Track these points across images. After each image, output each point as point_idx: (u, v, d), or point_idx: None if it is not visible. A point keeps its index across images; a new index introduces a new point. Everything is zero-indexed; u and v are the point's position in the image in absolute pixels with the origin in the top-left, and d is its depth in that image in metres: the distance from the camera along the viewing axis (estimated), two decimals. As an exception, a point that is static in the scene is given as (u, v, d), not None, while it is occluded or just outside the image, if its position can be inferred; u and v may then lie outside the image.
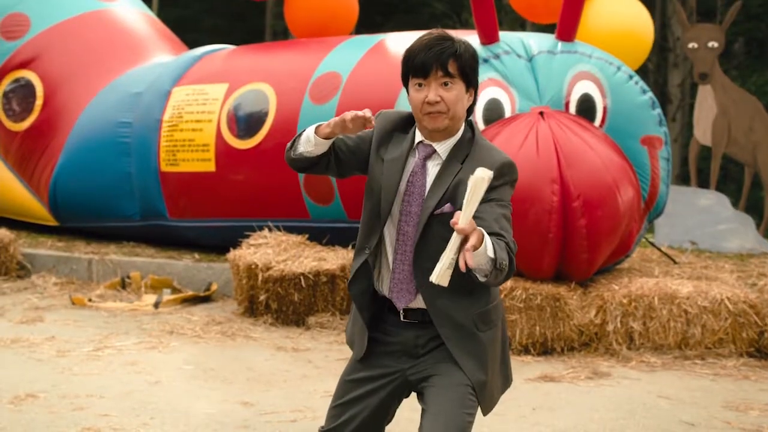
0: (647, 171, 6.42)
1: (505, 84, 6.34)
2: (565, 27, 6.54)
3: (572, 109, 6.28)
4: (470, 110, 2.80)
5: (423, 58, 2.73)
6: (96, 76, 9.06)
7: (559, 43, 6.54)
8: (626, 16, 7.67)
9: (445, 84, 2.70)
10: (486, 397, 2.69)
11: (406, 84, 2.79)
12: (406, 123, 2.84)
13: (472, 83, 2.74)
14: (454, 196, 2.64)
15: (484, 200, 2.50)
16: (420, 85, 2.74)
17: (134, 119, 8.52)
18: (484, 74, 6.35)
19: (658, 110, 6.55)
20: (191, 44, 10.31)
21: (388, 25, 23.19)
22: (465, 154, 2.71)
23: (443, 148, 2.72)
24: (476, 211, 2.45)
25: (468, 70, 2.73)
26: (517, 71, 6.40)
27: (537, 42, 6.59)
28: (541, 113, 6.15)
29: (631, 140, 6.37)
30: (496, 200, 2.62)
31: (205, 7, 22.84)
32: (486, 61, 6.41)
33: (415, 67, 2.75)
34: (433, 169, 2.73)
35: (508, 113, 6.26)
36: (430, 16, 24.57)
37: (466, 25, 20.61)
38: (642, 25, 7.74)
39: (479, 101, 6.25)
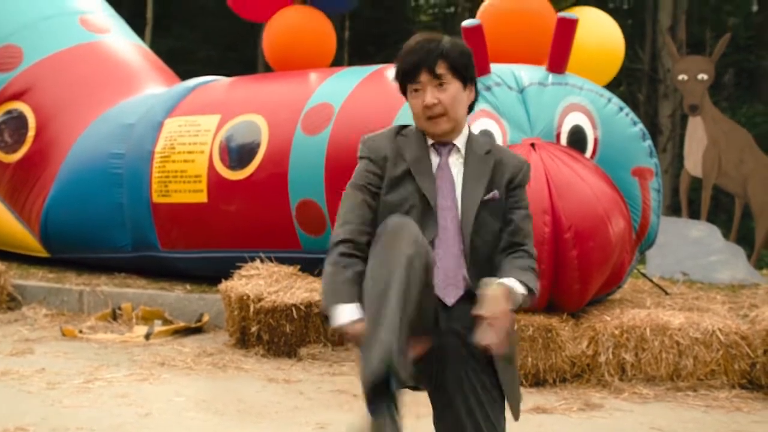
0: (638, 202, 6.45)
1: (497, 115, 6.37)
2: (556, 59, 6.58)
3: (563, 140, 6.31)
4: (472, 106, 2.85)
5: (410, 61, 2.77)
6: (88, 108, 9.08)
7: (550, 75, 6.59)
8: (597, 31, 7.76)
9: (440, 85, 2.72)
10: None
11: (405, 94, 2.80)
12: (394, 134, 2.85)
13: (468, 79, 2.78)
14: (494, 181, 2.73)
15: (512, 197, 2.56)
16: (416, 90, 2.76)
17: (126, 150, 8.53)
18: (476, 105, 6.36)
19: (649, 142, 6.59)
20: (184, 75, 10.35)
21: (380, 55, 23.31)
22: (486, 147, 2.76)
23: (460, 141, 2.77)
24: (508, 213, 2.53)
25: (460, 67, 2.77)
26: (508, 103, 6.43)
27: (528, 74, 6.63)
28: (533, 145, 6.17)
29: (622, 172, 6.40)
30: (520, 201, 2.67)
31: (197, 38, 22.93)
32: (477, 93, 6.43)
33: (404, 71, 2.78)
34: (456, 162, 2.76)
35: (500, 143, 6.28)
36: (422, 48, 24.64)
37: (457, 57, 20.69)
38: (613, 39, 7.84)
39: None
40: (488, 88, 6.47)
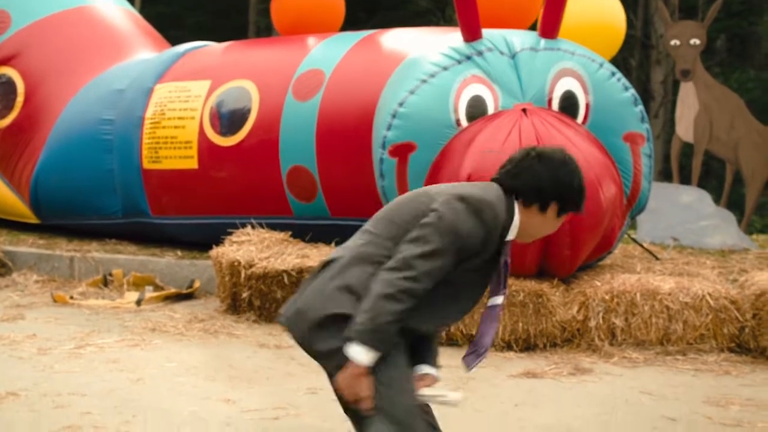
0: (629, 167, 6.44)
1: (489, 81, 6.35)
2: (548, 24, 6.55)
3: (555, 106, 6.30)
4: None
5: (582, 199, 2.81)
6: (77, 73, 9.01)
7: (542, 41, 6.55)
8: (599, 8, 7.72)
9: None
10: None
11: (546, 204, 2.75)
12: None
13: None
14: None
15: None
16: (559, 217, 2.81)
17: (116, 116, 8.48)
18: (468, 71, 6.36)
19: (641, 107, 6.57)
20: (174, 41, 10.27)
21: (372, 21, 23.16)
22: None
23: None
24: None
25: None
26: (500, 68, 6.40)
27: (520, 39, 6.60)
28: (524, 110, 6.16)
29: (613, 137, 6.39)
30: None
31: (187, 4, 22.74)
32: (469, 58, 6.41)
33: (576, 204, 2.80)
34: None
35: (491, 110, 6.26)
36: (414, 13, 24.56)
37: (449, 22, 20.62)
38: (615, 16, 7.80)
39: (462, 98, 6.26)
40: (480, 54, 6.44)
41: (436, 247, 2.55)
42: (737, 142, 9.80)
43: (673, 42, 9.92)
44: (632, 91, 6.58)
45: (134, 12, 10.39)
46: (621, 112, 6.46)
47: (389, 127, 6.26)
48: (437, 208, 2.60)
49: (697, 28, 9.91)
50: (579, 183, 2.77)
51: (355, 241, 2.76)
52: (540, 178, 2.72)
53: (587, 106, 6.36)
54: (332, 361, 2.59)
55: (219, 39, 9.78)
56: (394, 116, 6.26)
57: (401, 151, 6.23)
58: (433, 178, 6.14)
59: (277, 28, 9.04)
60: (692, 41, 9.79)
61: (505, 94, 6.33)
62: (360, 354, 2.51)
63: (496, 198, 2.69)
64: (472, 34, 6.51)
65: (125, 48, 9.38)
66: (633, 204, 6.58)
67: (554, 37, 6.59)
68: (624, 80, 6.60)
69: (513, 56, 6.48)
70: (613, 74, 6.55)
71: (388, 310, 2.51)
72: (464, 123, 6.22)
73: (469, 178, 5.74)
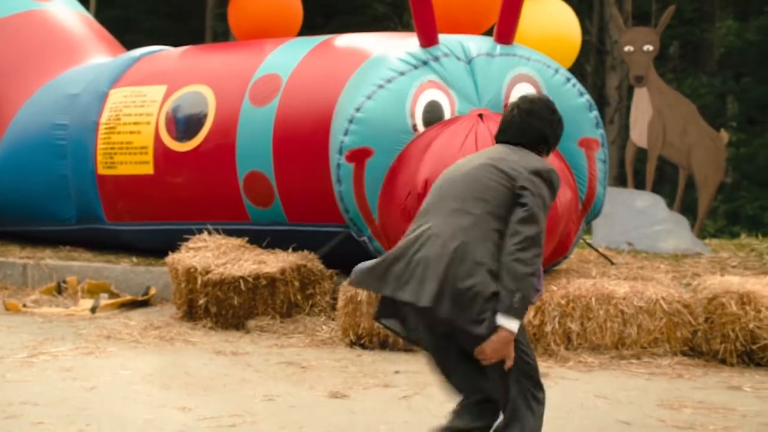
0: (584, 173, 6.51)
1: (445, 86, 6.39)
2: (504, 30, 6.59)
3: None
4: None
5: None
6: (31, 77, 8.91)
7: (498, 46, 6.60)
8: (555, 19, 7.81)
9: None
10: None
11: (550, 148, 3.32)
12: None
13: None
14: None
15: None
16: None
17: (70, 121, 8.40)
18: (424, 76, 6.38)
19: (595, 112, 6.64)
20: (130, 45, 10.18)
21: (330, 25, 23.13)
22: None
23: None
24: None
25: None
26: (456, 74, 6.44)
27: (476, 44, 6.64)
28: (480, 115, 6.20)
29: (568, 142, 6.41)
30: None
31: (144, 8, 22.55)
32: (426, 63, 6.44)
33: (558, 138, 3.36)
34: None
35: (447, 115, 6.30)
36: (372, 18, 24.57)
37: (407, 27, 20.66)
38: (570, 26, 7.90)
39: (419, 103, 6.30)
40: (436, 59, 6.47)
41: (542, 224, 3.05)
42: (690, 147, 9.93)
43: (626, 48, 10.03)
44: (587, 96, 6.65)
45: (89, 16, 10.29)
46: (576, 117, 6.51)
47: (346, 132, 6.27)
48: (528, 188, 3.05)
49: (651, 35, 10.03)
50: (560, 118, 3.35)
51: (457, 221, 3.06)
52: (542, 128, 3.28)
53: None
54: (480, 329, 2.95)
55: (176, 44, 9.72)
56: (351, 121, 6.27)
57: (358, 156, 6.24)
58: (390, 183, 6.15)
59: (235, 33, 9.02)
60: (645, 47, 9.90)
61: (462, 100, 6.38)
62: (513, 324, 2.95)
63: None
64: (428, 40, 6.53)
65: (79, 52, 9.29)
66: (588, 209, 6.64)
67: (510, 43, 6.64)
68: (579, 86, 6.67)
69: (469, 61, 6.52)
70: (569, 80, 6.61)
71: (531, 285, 2.99)
72: (421, 128, 6.25)
73: (425, 184, 5.76)
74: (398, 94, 6.30)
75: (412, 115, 6.26)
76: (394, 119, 6.25)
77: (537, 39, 7.35)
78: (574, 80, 6.65)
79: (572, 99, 6.55)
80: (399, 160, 6.19)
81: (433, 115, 6.32)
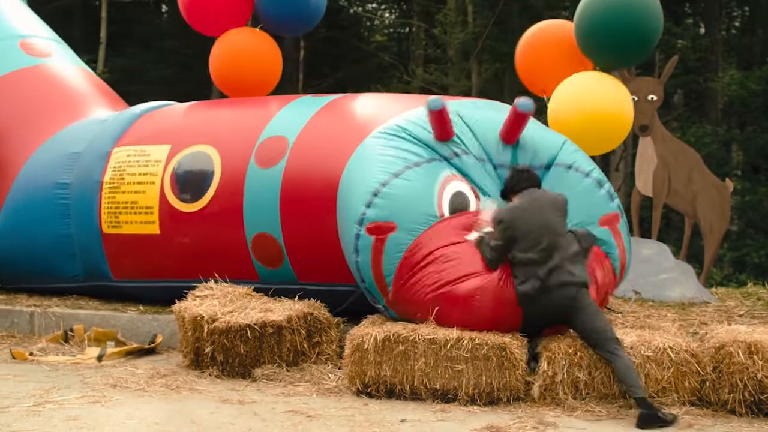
0: (615, 248, 6.49)
1: (469, 182, 6.47)
2: (508, 136, 6.63)
3: None
4: None
5: None
6: (32, 134, 8.86)
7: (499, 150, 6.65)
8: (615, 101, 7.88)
9: None
10: None
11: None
12: None
13: None
14: None
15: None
16: None
17: (73, 180, 8.36)
18: (448, 169, 6.47)
19: (607, 186, 6.57)
20: (137, 95, 10.29)
21: (335, 75, 23.35)
22: None
23: None
24: None
25: None
26: (477, 171, 6.54)
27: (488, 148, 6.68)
28: None
29: (590, 226, 6.40)
30: None
31: (151, 58, 22.79)
32: (446, 159, 6.51)
33: None
34: None
35: (473, 207, 6.38)
36: (378, 67, 24.77)
37: (412, 76, 20.85)
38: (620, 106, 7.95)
39: (446, 192, 6.37)
40: (457, 155, 6.53)
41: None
42: (695, 195, 9.96)
43: (631, 97, 10.10)
44: (595, 174, 6.59)
45: (88, 69, 10.24)
46: (588, 200, 6.51)
47: (369, 205, 6.26)
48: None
49: (655, 84, 10.11)
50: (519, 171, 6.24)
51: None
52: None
53: None
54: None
55: (183, 92, 9.82)
56: (375, 195, 6.26)
57: (381, 230, 6.22)
58: (406, 262, 6.14)
59: (216, 83, 9.25)
60: (650, 97, 9.97)
61: (484, 195, 6.49)
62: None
63: None
64: (444, 138, 6.58)
65: (80, 106, 9.22)
66: (623, 275, 6.64)
67: (513, 144, 6.67)
68: (583, 166, 6.62)
69: (495, 169, 6.61)
70: (569, 167, 6.63)
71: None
72: (447, 215, 6.30)
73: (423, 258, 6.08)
74: (427, 176, 6.34)
75: (440, 204, 6.30)
76: (421, 199, 6.27)
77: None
78: (577, 164, 6.59)
79: (577, 184, 6.55)
80: (420, 241, 6.20)
81: (459, 205, 6.36)
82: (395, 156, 6.44)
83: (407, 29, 26.76)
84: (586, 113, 7.65)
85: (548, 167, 6.60)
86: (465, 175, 6.47)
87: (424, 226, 6.19)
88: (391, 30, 28.82)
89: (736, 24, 25.93)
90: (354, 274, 6.39)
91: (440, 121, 6.47)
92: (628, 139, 18.10)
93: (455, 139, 6.57)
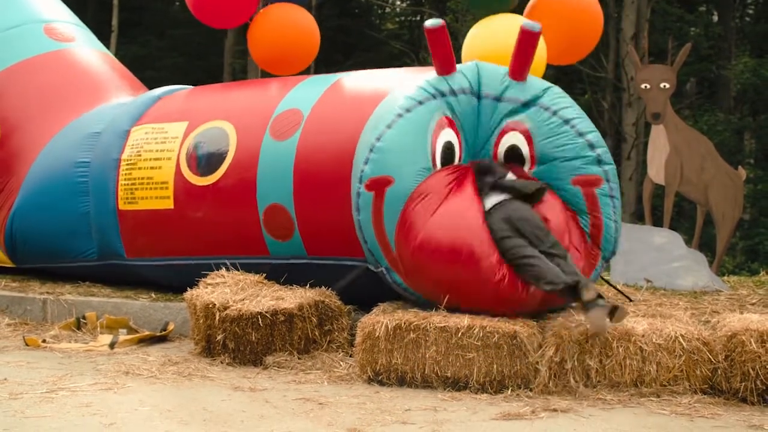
0: (586, 216, 6.52)
1: (457, 128, 6.59)
2: (516, 67, 6.64)
3: (500, 157, 6.67)
4: None
5: None
6: (54, 117, 9.01)
7: (507, 84, 6.66)
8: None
9: None
10: None
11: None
12: None
13: None
14: None
15: None
16: None
17: (92, 159, 8.48)
18: (441, 110, 6.50)
19: (600, 149, 6.56)
20: (150, 81, 10.30)
21: (348, 63, 23.35)
22: None
23: None
24: None
25: None
26: (466, 115, 6.64)
27: (488, 79, 6.70)
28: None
29: (563, 182, 6.52)
30: None
31: (163, 46, 22.82)
32: (443, 95, 6.53)
33: None
34: None
35: (457, 160, 6.56)
36: (389, 55, 24.76)
37: (423, 63, 20.83)
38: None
39: (439, 141, 6.40)
40: (454, 93, 6.57)
41: None
42: (707, 184, 9.92)
43: (643, 85, 10.06)
44: (591, 135, 6.56)
45: (110, 54, 10.41)
46: (574, 158, 6.53)
47: (367, 161, 6.32)
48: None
49: (667, 72, 10.06)
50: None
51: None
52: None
53: (532, 157, 6.61)
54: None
55: (195, 80, 9.84)
56: (371, 150, 6.32)
57: (378, 185, 6.27)
58: (405, 216, 6.20)
59: (255, 60, 9.26)
60: (662, 84, 9.93)
61: (465, 145, 6.65)
62: None
63: None
64: (446, 68, 6.60)
65: (102, 91, 9.39)
66: (598, 243, 6.60)
67: (523, 80, 6.67)
68: (579, 125, 6.60)
69: (479, 100, 6.63)
70: (566, 122, 6.60)
71: None
72: (439, 166, 6.37)
73: (420, 244, 6.13)
74: (418, 124, 6.38)
75: (433, 154, 6.38)
76: (414, 150, 6.33)
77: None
78: (575, 120, 6.60)
79: (570, 140, 6.55)
80: (417, 193, 6.24)
81: (448, 157, 6.50)
82: (390, 109, 6.51)
83: (419, 17, 26.71)
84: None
85: (526, 105, 6.67)
86: (456, 119, 6.58)
87: (421, 177, 6.29)
88: (403, 18, 28.78)
89: (750, 11, 25.78)
90: (358, 235, 6.43)
91: (439, 43, 6.44)
92: (641, 128, 18.07)
93: (458, 74, 6.64)
